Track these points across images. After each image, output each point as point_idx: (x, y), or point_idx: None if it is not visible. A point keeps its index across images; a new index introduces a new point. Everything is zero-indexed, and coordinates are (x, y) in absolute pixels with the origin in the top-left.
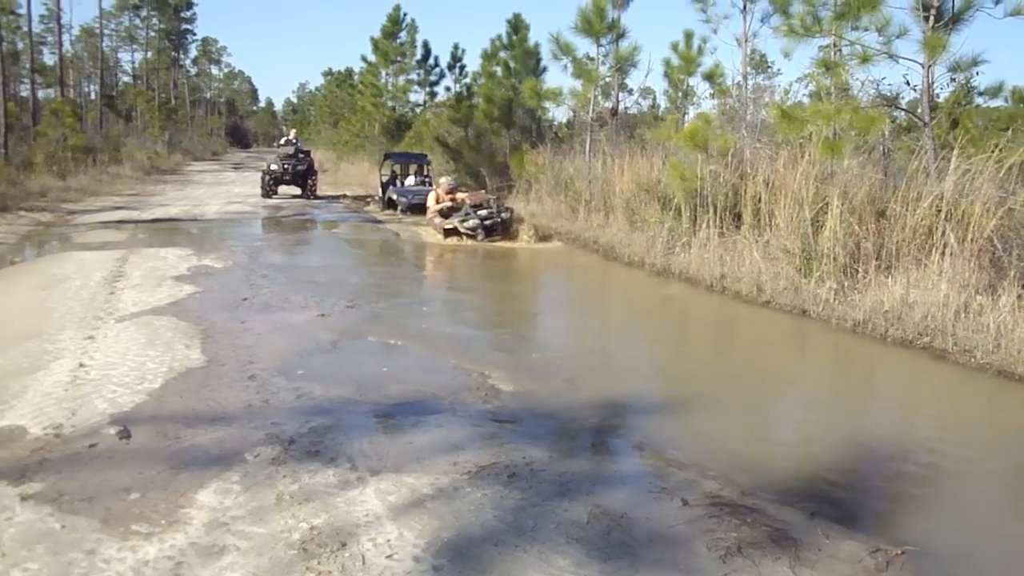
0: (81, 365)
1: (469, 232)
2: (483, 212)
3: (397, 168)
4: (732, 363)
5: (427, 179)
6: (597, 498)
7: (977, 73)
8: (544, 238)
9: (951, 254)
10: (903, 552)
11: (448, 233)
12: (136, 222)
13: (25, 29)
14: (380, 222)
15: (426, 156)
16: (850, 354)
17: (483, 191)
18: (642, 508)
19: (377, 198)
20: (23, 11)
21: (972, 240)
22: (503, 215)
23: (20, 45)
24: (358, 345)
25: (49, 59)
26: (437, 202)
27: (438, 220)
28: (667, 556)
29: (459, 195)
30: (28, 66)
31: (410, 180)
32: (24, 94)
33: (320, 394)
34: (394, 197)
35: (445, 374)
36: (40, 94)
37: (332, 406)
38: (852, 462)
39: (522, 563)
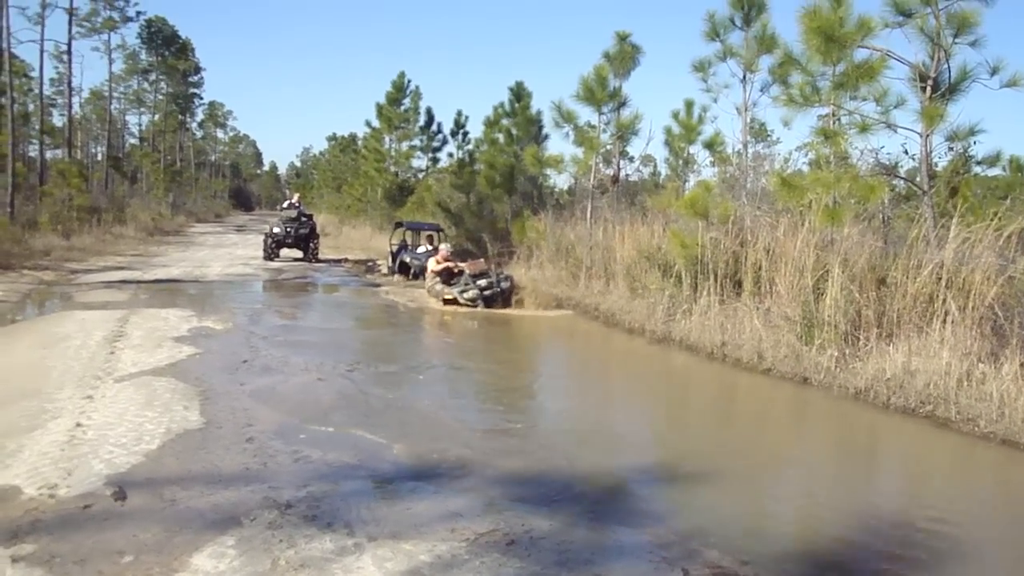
0: (79, 425)
1: (469, 303)
2: (482, 282)
3: (408, 237)
4: (733, 432)
5: (439, 249)
6: (597, 568)
7: (975, 142)
8: (546, 306)
9: (952, 322)
10: None
11: (447, 302)
12: (138, 282)
13: (36, 91)
14: (379, 286)
15: (439, 227)
16: (852, 422)
17: (482, 260)
18: None
19: (387, 265)
20: (35, 74)
21: (973, 308)
22: (502, 284)
23: (31, 107)
24: (355, 410)
25: (58, 120)
26: (438, 266)
27: (438, 287)
28: None
29: (459, 265)
30: (37, 127)
31: (421, 249)
32: (32, 154)
33: (318, 458)
34: (407, 260)
35: (442, 442)
36: (48, 154)
37: (330, 471)
38: (854, 533)
39: None
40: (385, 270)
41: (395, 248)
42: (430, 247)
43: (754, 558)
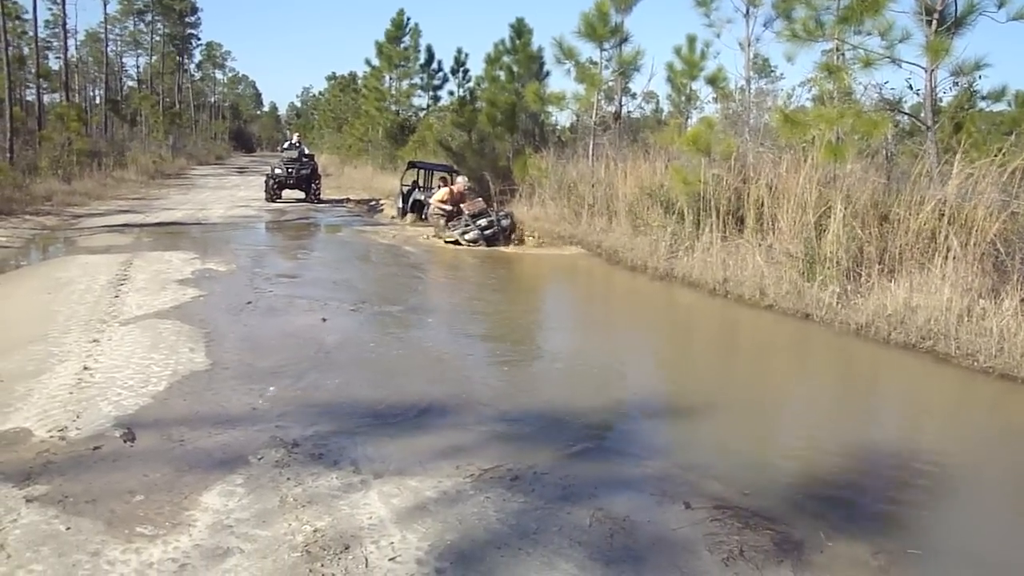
0: (86, 368)
1: (471, 244)
2: (483, 222)
3: (419, 178)
4: (735, 367)
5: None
6: (600, 501)
7: (980, 77)
8: (549, 243)
9: (954, 258)
10: (906, 555)
11: (449, 243)
12: (140, 226)
13: (31, 34)
14: (382, 226)
15: (453, 167)
16: (853, 357)
17: (480, 199)
18: (644, 511)
19: (396, 207)
20: (29, 16)
21: (975, 244)
22: (503, 222)
23: (26, 50)
24: (361, 349)
25: (54, 64)
26: (444, 200)
27: (441, 222)
28: (670, 560)
29: (463, 204)
30: (33, 71)
31: (435, 190)
32: (30, 99)
33: (323, 398)
34: (420, 198)
35: (448, 379)
36: (45, 99)
37: (335, 410)
38: (855, 465)
39: (525, 566)
40: (394, 212)
41: (407, 189)
42: (443, 188)
43: (755, 490)
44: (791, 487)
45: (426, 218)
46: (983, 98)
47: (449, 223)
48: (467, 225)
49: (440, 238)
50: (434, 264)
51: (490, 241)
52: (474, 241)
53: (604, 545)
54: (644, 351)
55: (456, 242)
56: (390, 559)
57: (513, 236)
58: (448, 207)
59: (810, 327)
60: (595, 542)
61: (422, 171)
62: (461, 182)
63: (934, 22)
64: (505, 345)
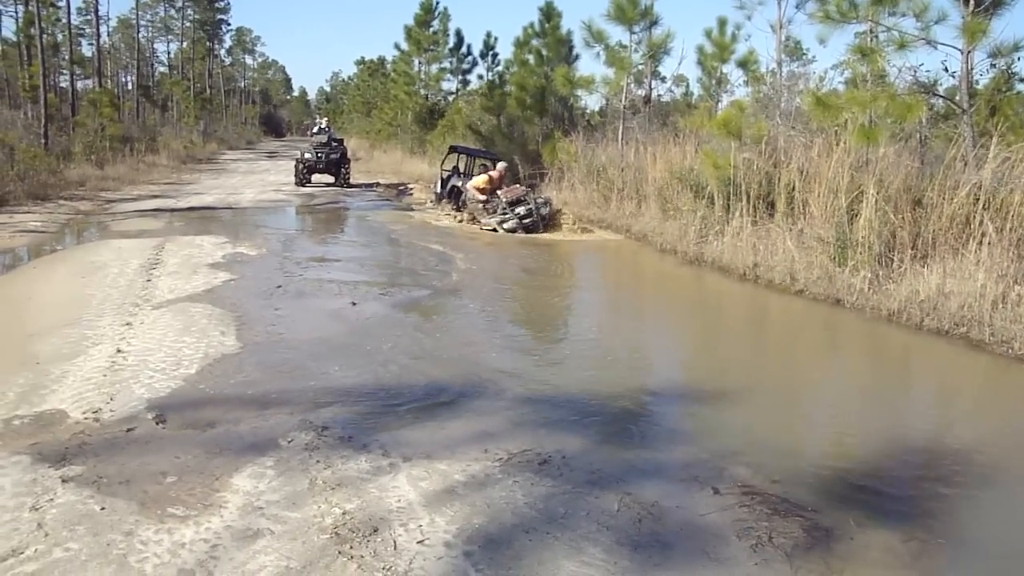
0: (119, 351)
1: (509, 232)
2: (521, 210)
3: (460, 163)
4: (765, 353)
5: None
6: (628, 486)
7: (1019, 59)
8: (585, 229)
9: (989, 243)
10: (936, 543)
11: (487, 229)
12: (172, 210)
13: (64, 21)
14: (414, 210)
15: (497, 155)
16: (885, 343)
17: (519, 186)
18: (673, 497)
19: (435, 192)
20: (62, 4)
21: (1011, 229)
22: (542, 211)
23: (59, 37)
24: (390, 333)
25: (87, 50)
26: (481, 186)
27: (479, 208)
28: (698, 545)
29: (500, 191)
30: (67, 57)
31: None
32: (63, 85)
33: (352, 381)
34: (459, 185)
35: (477, 362)
36: (78, 85)
37: (364, 393)
38: (886, 452)
39: (552, 550)
40: (431, 197)
41: (447, 175)
42: (483, 174)
43: (784, 477)
44: (821, 474)
45: (464, 206)
46: (1021, 80)
47: (486, 206)
48: (504, 213)
49: (478, 224)
50: (464, 249)
51: (527, 230)
52: (512, 230)
53: (632, 530)
54: (675, 337)
55: (493, 230)
56: (418, 542)
57: (551, 223)
58: (485, 195)
59: (841, 313)
60: (623, 527)
61: (463, 156)
62: (501, 167)
63: (971, 2)
64: (534, 329)
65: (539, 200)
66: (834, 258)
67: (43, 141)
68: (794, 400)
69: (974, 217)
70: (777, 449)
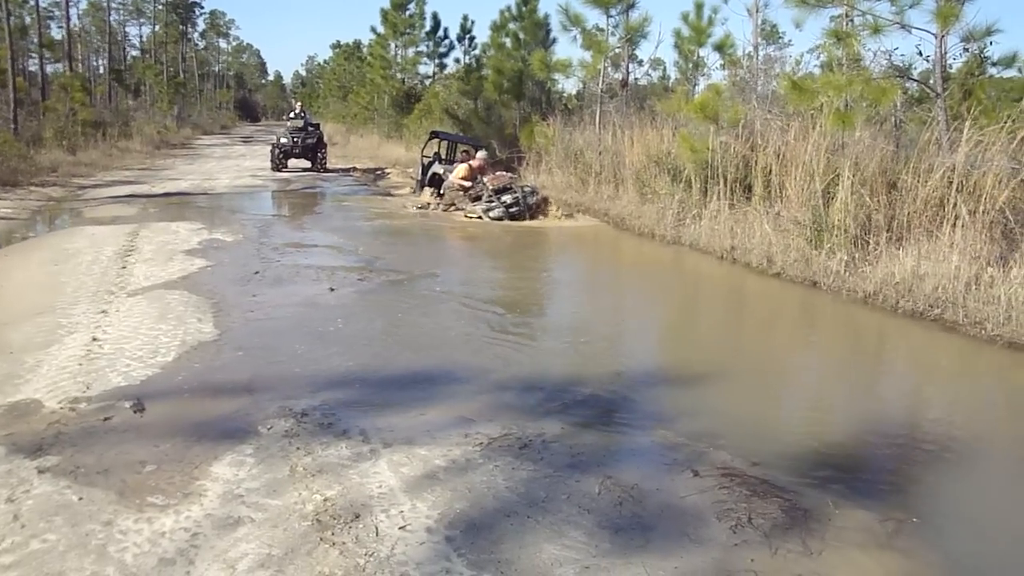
0: (94, 339)
1: (494, 220)
2: (507, 198)
3: (441, 149)
4: (742, 335)
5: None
6: (608, 469)
7: (991, 43)
8: (568, 215)
9: (962, 226)
10: (913, 522)
11: (471, 217)
12: (147, 196)
13: (32, 3)
14: (390, 195)
15: (479, 142)
16: (860, 326)
17: (505, 173)
18: (653, 479)
19: (416, 179)
20: None
21: (984, 212)
22: (529, 200)
23: (28, 20)
24: (368, 318)
25: (57, 33)
26: (463, 177)
27: (462, 200)
28: (678, 527)
29: (482, 179)
30: (36, 41)
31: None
32: (32, 69)
33: (332, 368)
34: (440, 172)
35: (456, 347)
36: (48, 69)
37: (344, 380)
38: (862, 433)
39: (534, 533)
40: (411, 188)
41: (427, 161)
42: (463, 164)
43: (763, 459)
44: (799, 455)
45: (443, 194)
46: (993, 64)
47: (468, 192)
48: (490, 201)
49: (462, 212)
50: (442, 234)
51: (514, 218)
52: (498, 219)
53: (613, 513)
54: (652, 320)
55: (479, 218)
56: (400, 528)
57: (538, 210)
58: (467, 184)
59: (818, 295)
60: (604, 510)
61: (444, 142)
62: (481, 157)
63: None
64: (513, 314)
65: (527, 188)
66: (810, 241)
67: (12, 126)
68: (772, 382)
69: (948, 200)
70: (756, 431)
